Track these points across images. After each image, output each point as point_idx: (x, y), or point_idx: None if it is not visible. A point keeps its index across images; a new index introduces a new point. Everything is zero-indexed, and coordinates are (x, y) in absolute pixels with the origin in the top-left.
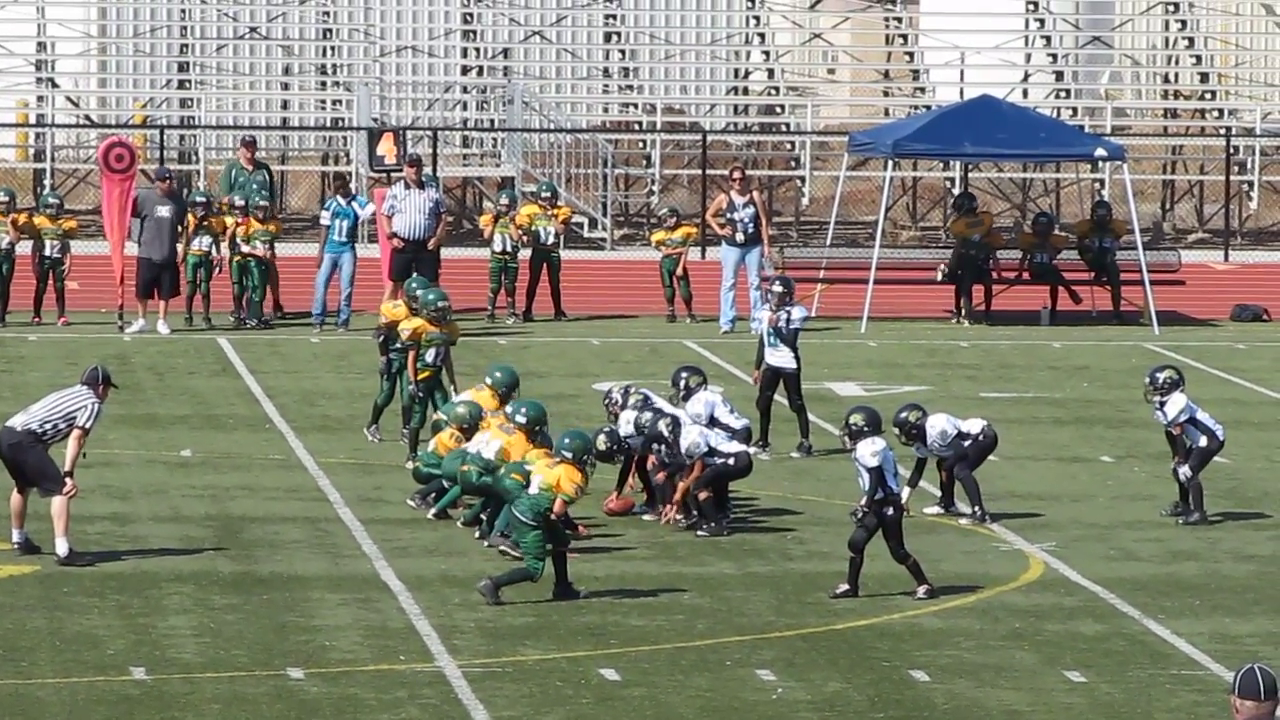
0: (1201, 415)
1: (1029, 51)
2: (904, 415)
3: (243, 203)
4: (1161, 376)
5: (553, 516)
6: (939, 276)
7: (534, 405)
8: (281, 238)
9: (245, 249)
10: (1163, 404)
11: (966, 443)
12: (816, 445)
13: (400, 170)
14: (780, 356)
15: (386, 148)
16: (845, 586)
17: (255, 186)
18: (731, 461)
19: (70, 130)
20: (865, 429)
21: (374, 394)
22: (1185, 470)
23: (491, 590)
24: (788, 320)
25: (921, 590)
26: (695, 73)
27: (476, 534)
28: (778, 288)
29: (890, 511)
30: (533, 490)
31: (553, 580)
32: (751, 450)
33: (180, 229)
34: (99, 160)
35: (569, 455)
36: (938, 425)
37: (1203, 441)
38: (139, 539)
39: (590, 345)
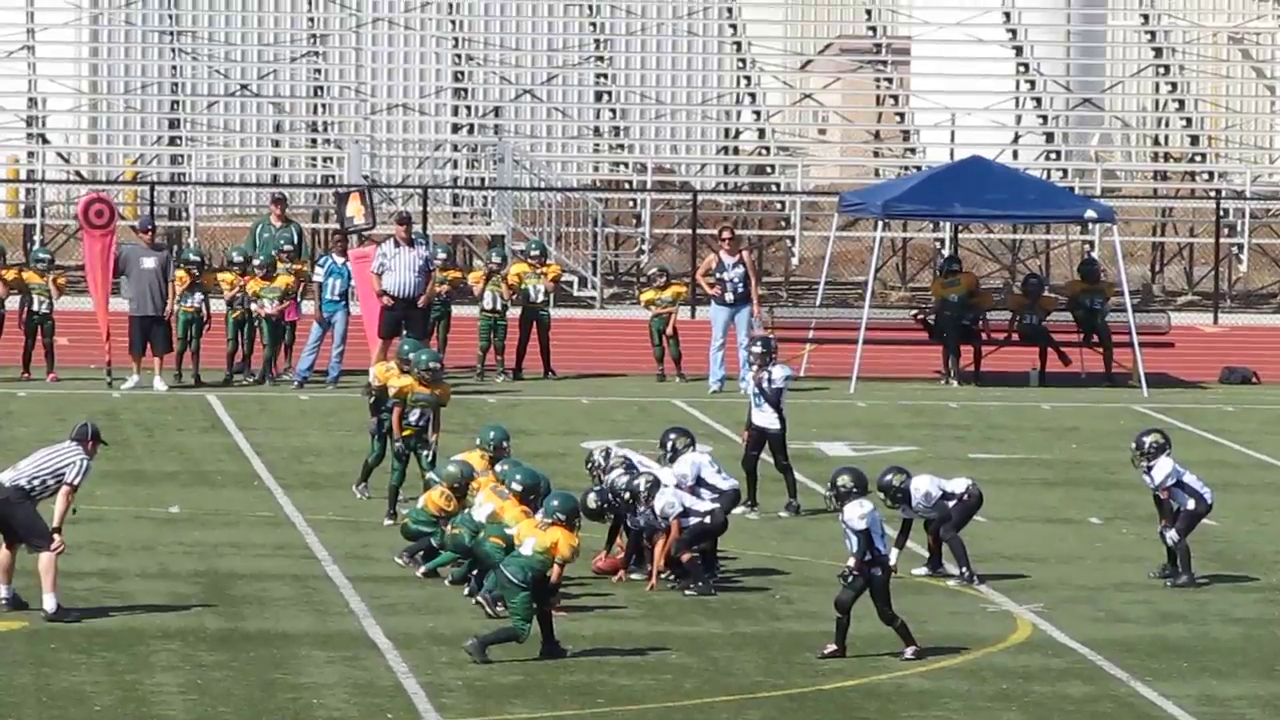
0: (1189, 478)
1: (1019, 113)
2: (888, 478)
3: (242, 259)
4: (1148, 441)
5: (553, 581)
6: (914, 317)
7: (529, 473)
8: (297, 294)
9: (254, 308)
10: (1150, 468)
11: (951, 503)
12: (804, 505)
13: (371, 229)
14: (765, 417)
15: (355, 208)
16: (833, 647)
17: (282, 243)
18: (707, 520)
19: (61, 186)
20: (853, 490)
21: (363, 451)
22: (1173, 534)
23: (479, 649)
24: (769, 380)
25: (909, 651)
26: (686, 132)
27: (465, 592)
28: (758, 348)
29: (878, 573)
30: (525, 552)
31: (539, 639)
32: (741, 510)
33: (168, 281)
34: (79, 216)
35: (562, 518)
36: (921, 487)
37: (1190, 504)
38: (127, 595)
39: (580, 404)
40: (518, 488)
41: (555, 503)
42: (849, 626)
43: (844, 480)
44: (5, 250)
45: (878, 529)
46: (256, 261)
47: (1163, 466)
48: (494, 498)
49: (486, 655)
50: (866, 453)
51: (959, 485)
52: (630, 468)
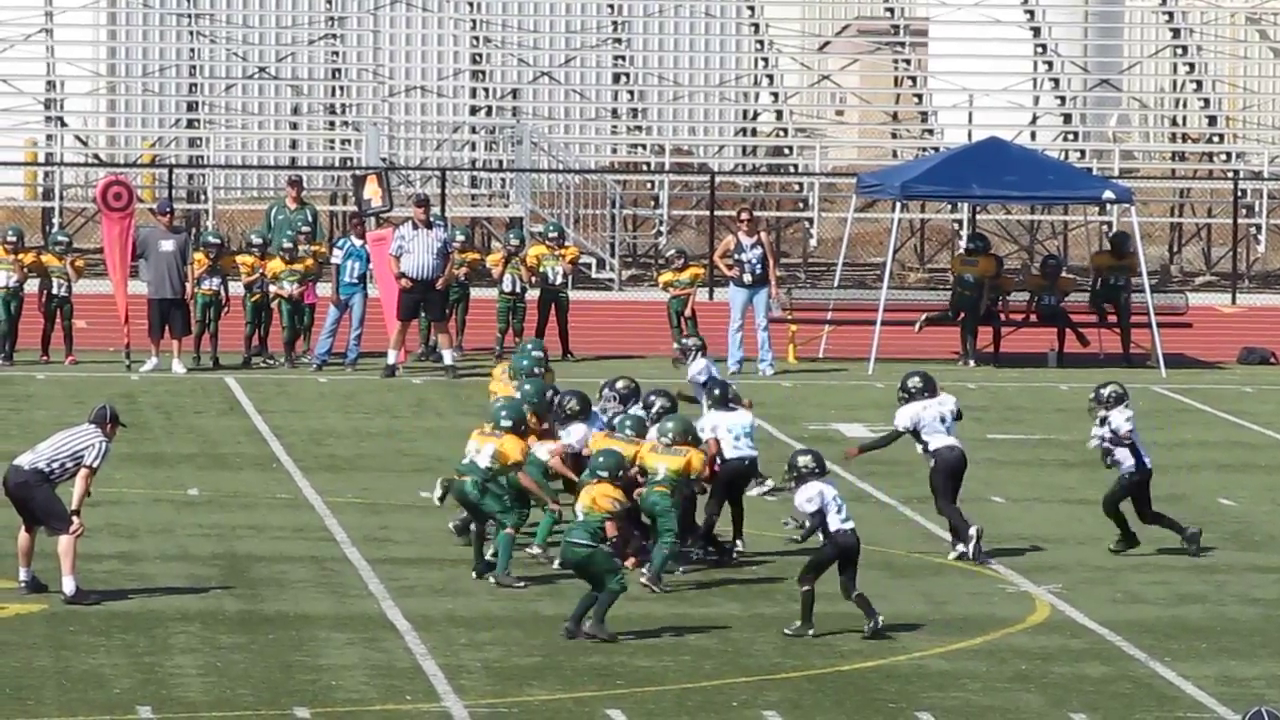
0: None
1: (1037, 94)
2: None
3: (260, 242)
4: (1106, 391)
5: (608, 537)
6: (917, 328)
7: (513, 405)
8: (317, 276)
9: (274, 289)
10: (1105, 419)
11: (933, 463)
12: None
13: (388, 211)
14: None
15: (372, 190)
16: (798, 624)
17: (298, 224)
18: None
19: (79, 169)
20: (814, 471)
21: (380, 433)
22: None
23: (602, 630)
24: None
25: (869, 625)
26: (704, 114)
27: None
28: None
29: (830, 551)
30: (579, 517)
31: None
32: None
33: (185, 264)
34: (97, 199)
35: (604, 475)
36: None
37: (1131, 465)
38: (146, 578)
39: (598, 386)
40: (507, 423)
41: (600, 459)
42: (813, 603)
43: (804, 461)
44: (24, 233)
45: (832, 506)
46: (271, 246)
47: (1123, 414)
48: (490, 439)
49: (609, 632)
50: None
51: (937, 441)
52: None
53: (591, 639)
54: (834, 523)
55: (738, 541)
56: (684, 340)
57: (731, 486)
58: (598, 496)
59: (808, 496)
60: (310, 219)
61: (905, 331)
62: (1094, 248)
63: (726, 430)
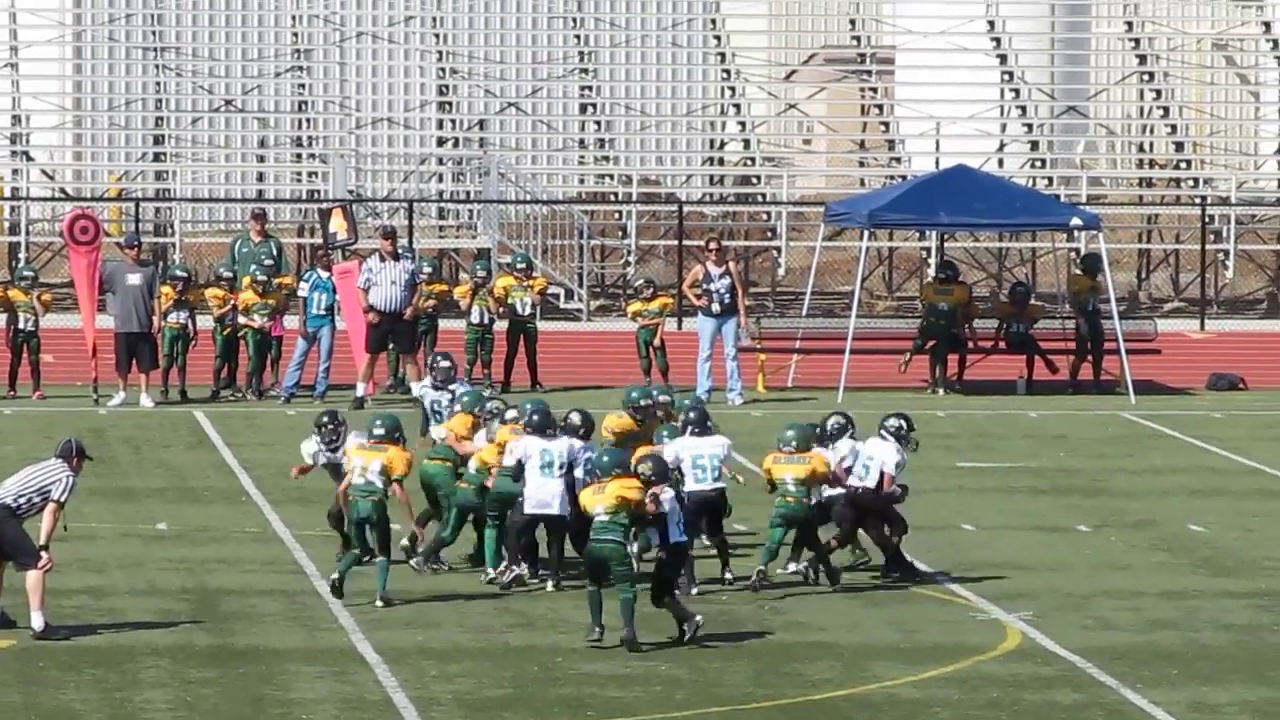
0: (858, 468)
1: (1004, 121)
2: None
3: (230, 275)
4: (830, 422)
5: (649, 516)
6: (902, 367)
7: (388, 416)
8: (284, 309)
9: (244, 321)
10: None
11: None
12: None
13: (354, 244)
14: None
15: (338, 223)
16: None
17: (262, 258)
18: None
19: (45, 203)
20: (663, 477)
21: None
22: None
23: (632, 640)
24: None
25: (688, 629)
26: (671, 143)
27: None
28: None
29: (664, 556)
30: (603, 518)
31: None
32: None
33: (153, 297)
34: (64, 233)
35: (619, 471)
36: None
37: (827, 495)
38: (115, 612)
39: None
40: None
41: (605, 459)
42: (679, 608)
43: (643, 468)
44: None
45: (675, 516)
46: (226, 275)
47: (843, 447)
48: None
49: (637, 637)
50: None
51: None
52: None
53: (631, 648)
54: (674, 532)
55: (727, 572)
56: None
57: (700, 517)
58: (623, 491)
59: (665, 498)
60: (275, 251)
61: (874, 360)
62: (1063, 274)
63: (692, 459)
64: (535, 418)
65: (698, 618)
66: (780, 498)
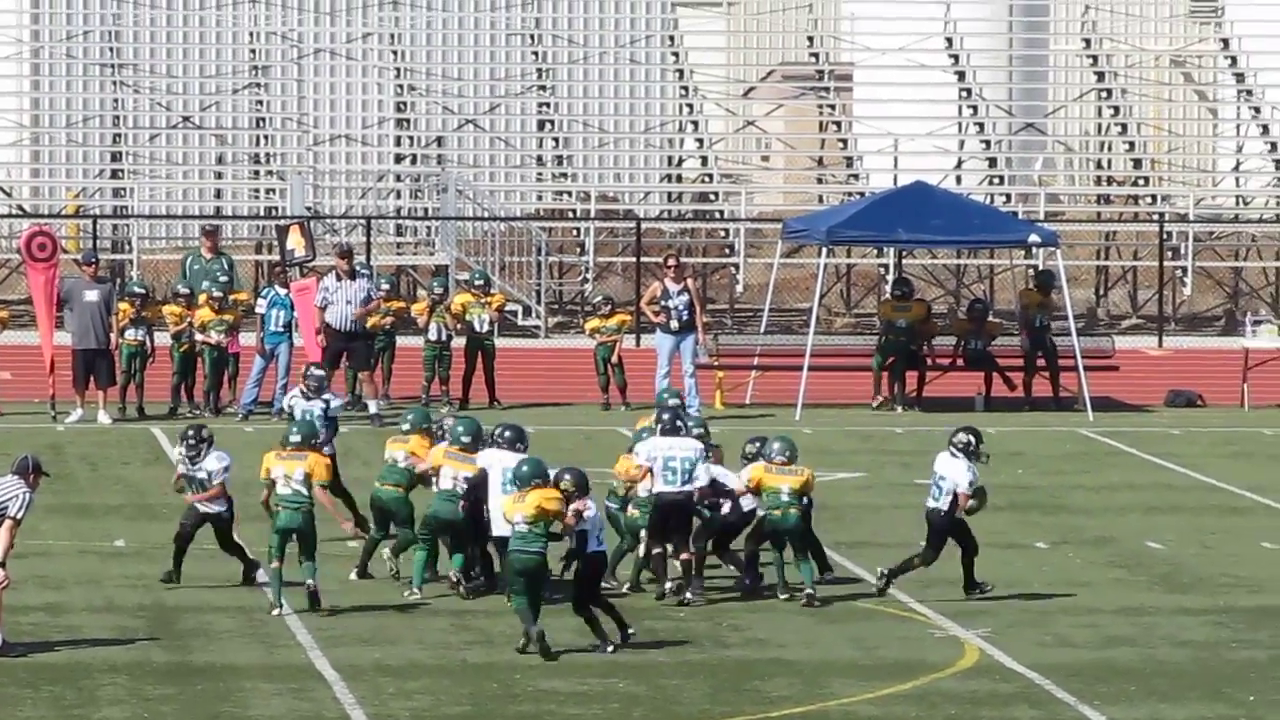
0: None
1: (962, 138)
2: None
3: (187, 291)
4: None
5: (564, 529)
6: (874, 406)
7: (303, 422)
8: (240, 326)
9: (200, 338)
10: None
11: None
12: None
13: (312, 260)
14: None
15: (296, 240)
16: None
17: (216, 274)
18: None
19: (2, 220)
20: (584, 491)
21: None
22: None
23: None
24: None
25: (607, 648)
26: (629, 160)
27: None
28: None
29: (581, 567)
30: (522, 528)
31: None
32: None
33: (110, 314)
34: (21, 250)
35: (538, 481)
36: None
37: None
38: (73, 629)
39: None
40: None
41: (524, 469)
42: (597, 625)
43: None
44: None
45: (595, 528)
46: (183, 291)
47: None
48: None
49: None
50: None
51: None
52: None
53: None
54: (593, 543)
55: (687, 592)
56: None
57: (667, 521)
58: (543, 502)
59: (585, 514)
60: (227, 267)
61: (832, 377)
62: (1019, 289)
63: (664, 460)
64: (508, 434)
65: (622, 635)
66: (770, 510)
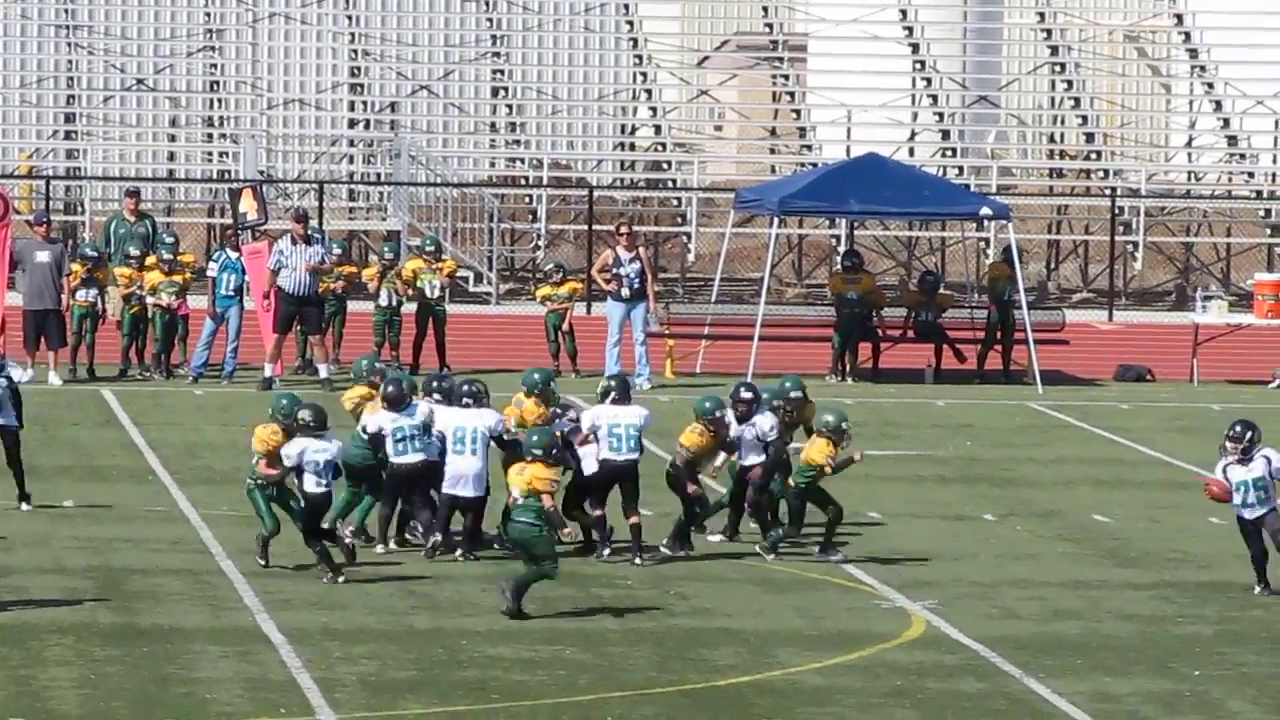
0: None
1: (915, 110)
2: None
3: (95, 254)
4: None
5: (548, 509)
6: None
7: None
8: (190, 288)
9: (151, 301)
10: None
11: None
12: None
13: (264, 224)
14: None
15: (248, 203)
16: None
17: (137, 238)
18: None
19: None
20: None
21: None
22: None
23: (508, 601)
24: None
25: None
26: (582, 128)
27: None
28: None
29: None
30: (519, 501)
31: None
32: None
33: (62, 275)
34: None
35: (538, 454)
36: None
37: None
38: (20, 590)
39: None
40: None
41: (534, 438)
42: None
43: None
44: None
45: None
46: (112, 259)
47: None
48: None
49: (513, 603)
50: None
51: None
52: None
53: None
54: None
55: (637, 558)
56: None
57: (613, 485)
58: (533, 478)
59: None
60: (150, 229)
61: (783, 347)
62: (972, 263)
63: (609, 427)
64: (445, 385)
65: (325, 579)
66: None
